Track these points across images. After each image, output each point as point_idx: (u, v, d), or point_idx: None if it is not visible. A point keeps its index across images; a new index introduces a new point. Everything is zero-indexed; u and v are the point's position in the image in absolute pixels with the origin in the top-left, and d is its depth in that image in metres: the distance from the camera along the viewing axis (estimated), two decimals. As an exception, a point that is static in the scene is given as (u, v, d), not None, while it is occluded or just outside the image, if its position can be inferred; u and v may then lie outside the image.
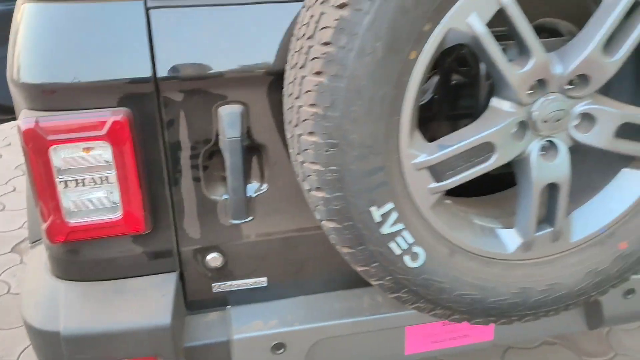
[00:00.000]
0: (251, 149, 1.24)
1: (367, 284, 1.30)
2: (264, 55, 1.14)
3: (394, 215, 1.01)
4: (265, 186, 1.28)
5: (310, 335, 1.37)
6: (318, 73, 0.92)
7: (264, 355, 1.35)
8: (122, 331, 1.22)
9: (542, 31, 1.14)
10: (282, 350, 1.36)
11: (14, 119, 1.59)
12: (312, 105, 0.94)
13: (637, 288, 1.52)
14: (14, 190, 3.62)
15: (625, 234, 1.17)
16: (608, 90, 1.23)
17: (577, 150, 1.24)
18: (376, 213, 1.00)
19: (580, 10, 1.03)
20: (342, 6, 0.88)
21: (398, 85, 0.93)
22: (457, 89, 1.19)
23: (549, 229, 1.13)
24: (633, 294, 1.53)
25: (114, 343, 1.22)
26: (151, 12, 1.12)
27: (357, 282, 1.36)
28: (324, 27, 0.91)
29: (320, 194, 1.00)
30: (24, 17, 1.10)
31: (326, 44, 0.90)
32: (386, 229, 1.02)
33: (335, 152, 0.95)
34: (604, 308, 1.53)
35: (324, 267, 1.38)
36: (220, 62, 1.15)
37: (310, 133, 0.96)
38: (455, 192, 1.25)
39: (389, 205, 1.00)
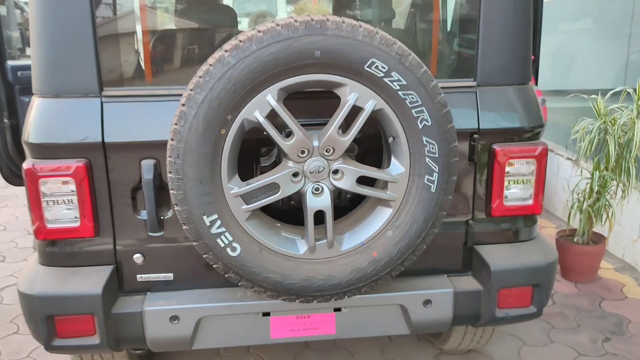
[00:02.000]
0: (161, 188, 2.00)
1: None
2: (167, 130, 1.92)
3: (218, 222, 1.74)
4: (170, 212, 2.04)
5: (196, 312, 2.06)
6: (172, 139, 1.70)
7: (165, 323, 2.05)
8: (72, 295, 1.96)
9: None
10: (177, 321, 2.05)
11: None
12: (170, 156, 1.71)
13: (432, 299, 2.15)
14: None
15: (376, 247, 1.85)
16: (385, 156, 1.95)
17: (359, 198, 1.96)
18: (206, 220, 1.74)
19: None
20: (183, 105, 1.67)
21: (215, 147, 1.70)
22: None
23: (324, 240, 1.83)
24: (430, 304, 2.15)
25: (66, 302, 1.96)
26: (104, 104, 1.94)
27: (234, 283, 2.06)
28: (176, 115, 1.69)
29: (177, 208, 1.75)
30: (33, 105, 1.95)
31: (175, 123, 1.69)
32: (214, 230, 1.75)
33: (180, 183, 1.71)
34: (410, 314, 2.16)
35: (212, 270, 2.09)
36: (142, 134, 1.94)
37: (169, 172, 1.72)
38: (288, 220, 1.97)
39: (215, 216, 1.74)
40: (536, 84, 3.07)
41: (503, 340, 3.11)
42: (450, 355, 3.00)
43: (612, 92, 3.54)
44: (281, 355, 2.98)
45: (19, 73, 3.10)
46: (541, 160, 2.11)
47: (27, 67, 3.02)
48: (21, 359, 3.00)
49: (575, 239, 3.71)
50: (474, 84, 2.08)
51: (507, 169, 2.10)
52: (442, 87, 1.89)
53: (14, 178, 3.15)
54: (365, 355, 2.99)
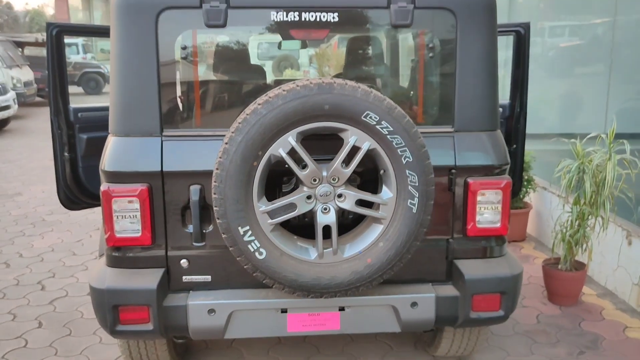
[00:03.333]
0: (204, 208, 2.56)
1: (266, 286, 2.51)
2: (210, 163, 2.47)
3: (249, 232, 2.29)
4: (212, 226, 2.59)
5: (229, 307, 2.58)
6: (217, 169, 2.26)
7: (204, 315, 2.57)
8: (133, 289, 2.51)
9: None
10: (213, 314, 2.58)
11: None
12: (215, 182, 2.27)
13: (418, 302, 2.64)
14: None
15: (370, 254, 2.37)
16: (379, 185, 2.49)
17: (360, 218, 2.49)
18: (241, 230, 2.28)
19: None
20: (226, 143, 2.24)
21: (249, 175, 2.26)
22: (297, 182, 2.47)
23: (330, 249, 2.37)
24: (417, 306, 2.65)
25: (128, 295, 2.51)
26: (164, 142, 2.52)
27: (260, 284, 2.57)
28: (220, 150, 2.26)
29: (219, 221, 2.30)
30: (109, 142, 2.54)
31: (220, 157, 2.25)
32: (246, 238, 2.29)
33: (222, 201, 2.26)
34: (400, 315, 2.65)
35: (243, 274, 2.60)
36: (192, 165, 2.51)
37: (214, 193, 2.28)
38: (302, 234, 2.50)
39: (247, 227, 2.29)
40: (523, 130, 3.60)
41: (490, 350, 3.57)
42: (442, 362, 3.46)
43: (587, 137, 4.06)
44: (295, 358, 3.47)
45: (79, 114, 3.62)
46: (506, 191, 2.63)
47: (86, 110, 3.59)
48: (75, 356, 3.53)
49: (559, 266, 4.17)
50: (452, 130, 2.62)
51: (479, 198, 2.62)
52: (427, 132, 2.46)
53: (70, 203, 3.69)
54: (368, 360, 3.47)
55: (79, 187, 3.64)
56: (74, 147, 3.61)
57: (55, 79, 3.36)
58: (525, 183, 5.25)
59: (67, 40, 21.46)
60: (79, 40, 22.84)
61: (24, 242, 5.58)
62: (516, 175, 3.58)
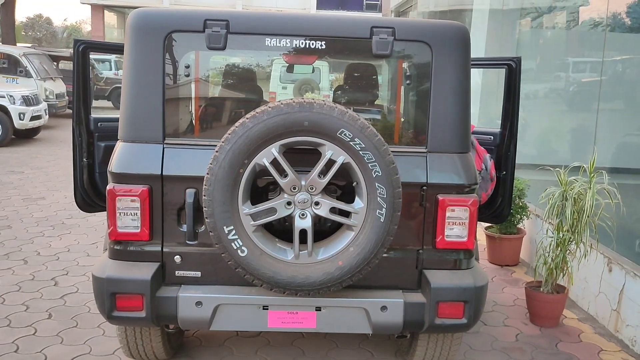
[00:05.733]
0: (198, 210, 2.85)
1: (250, 284, 2.79)
2: (205, 169, 2.77)
3: (233, 231, 2.57)
4: (204, 227, 2.87)
5: (215, 300, 2.85)
6: (207, 174, 2.56)
7: (192, 307, 2.84)
8: (130, 279, 2.80)
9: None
10: (200, 306, 2.85)
11: None
12: (205, 185, 2.56)
13: (388, 306, 2.88)
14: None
15: (342, 257, 2.63)
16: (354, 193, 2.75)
17: (336, 226, 2.76)
18: (226, 229, 2.56)
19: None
20: (216, 152, 2.54)
21: (235, 180, 2.54)
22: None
23: (305, 251, 2.63)
24: (386, 309, 2.89)
25: (125, 284, 2.80)
26: (165, 149, 2.83)
27: (245, 282, 2.84)
28: (211, 158, 2.56)
29: (207, 220, 2.59)
30: (118, 146, 2.86)
31: (210, 163, 2.55)
32: (230, 237, 2.57)
33: (211, 203, 2.55)
34: (371, 317, 2.89)
35: (230, 272, 2.86)
36: (188, 170, 2.81)
37: (204, 195, 2.57)
38: (284, 237, 2.78)
39: (231, 227, 2.57)
40: (513, 158, 3.80)
41: (465, 363, 3.77)
42: (419, 370, 3.67)
43: (570, 167, 4.27)
44: (282, 359, 3.71)
45: (99, 124, 3.92)
46: (473, 209, 2.88)
47: (106, 120, 3.91)
48: (79, 345, 3.83)
49: (541, 289, 4.36)
50: (425, 150, 2.89)
51: (448, 213, 2.87)
52: (402, 152, 2.73)
53: (85, 206, 3.99)
54: (349, 364, 3.70)
55: (94, 191, 3.94)
56: (92, 154, 3.91)
57: (79, 90, 3.69)
58: (519, 210, 5.46)
59: (101, 56, 22.19)
60: (112, 57, 23.61)
61: (43, 242, 5.93)
62: (505, 200, 3.80)
